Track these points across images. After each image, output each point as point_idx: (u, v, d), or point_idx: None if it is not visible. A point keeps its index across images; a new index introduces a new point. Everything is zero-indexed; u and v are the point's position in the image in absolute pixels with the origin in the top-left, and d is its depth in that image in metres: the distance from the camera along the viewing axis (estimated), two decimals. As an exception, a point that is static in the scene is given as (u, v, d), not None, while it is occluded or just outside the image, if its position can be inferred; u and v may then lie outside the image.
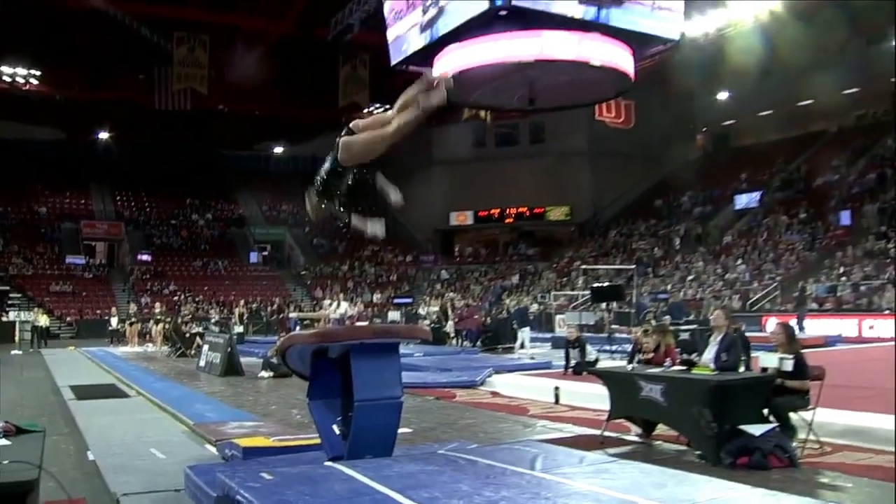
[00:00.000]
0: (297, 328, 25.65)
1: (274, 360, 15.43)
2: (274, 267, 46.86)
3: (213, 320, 26.68)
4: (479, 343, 23.97)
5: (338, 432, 6.26)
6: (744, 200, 40.45)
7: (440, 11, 16.14)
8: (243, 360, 18.03)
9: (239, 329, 28.16)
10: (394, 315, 32.98)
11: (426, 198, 48.46)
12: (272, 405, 12.08)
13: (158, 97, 35.01)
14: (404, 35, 17.07)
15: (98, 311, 36.57)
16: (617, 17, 15.45)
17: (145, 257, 42.60)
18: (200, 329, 24.21)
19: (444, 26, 16.07)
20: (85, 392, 13.14)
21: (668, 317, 18.72)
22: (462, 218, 48.33)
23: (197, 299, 37.89)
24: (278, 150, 51.91)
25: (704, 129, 50.92)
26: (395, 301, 38.83)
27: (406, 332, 7.61)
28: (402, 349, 16.85)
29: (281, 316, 35.14)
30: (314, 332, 7.24)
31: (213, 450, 7.94)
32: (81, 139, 44.76)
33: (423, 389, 13.24)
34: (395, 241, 49.99)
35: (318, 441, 6.51)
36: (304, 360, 6.50)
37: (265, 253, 47.44)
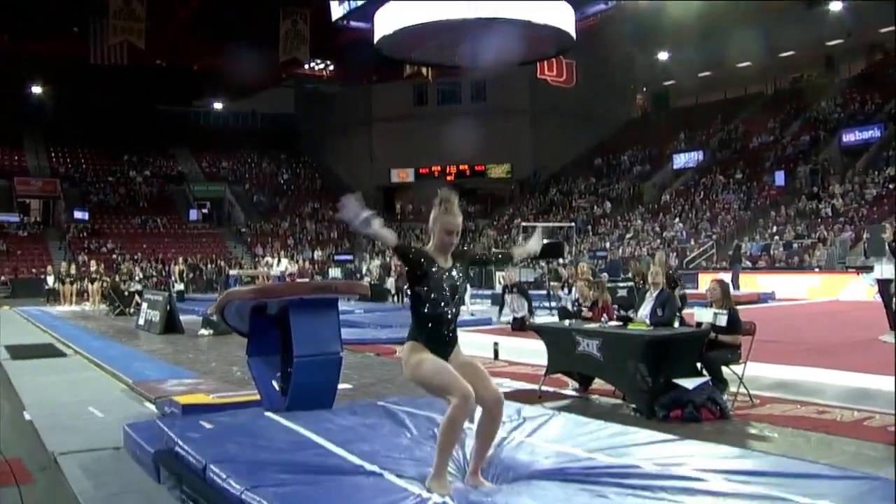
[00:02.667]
0: (237, 285, 25.44)
1: (214, 318, 15.28)
2: (214, 224, 46.27)
3: (137, 278, 25.86)
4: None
5: (277, 388, 6.27)
6: (682, 160, 40.98)
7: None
8: (183, 318, 17.82)
9: (179, 287, 27.81)
10: (334, 272, 32.83)
11: (367, 155, 48.20)
12: (212, 363, 11.98)
13: (94, 51, 34.01)
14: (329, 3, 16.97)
15: (34, 270, 35.78)
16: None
17: (82, 215, 41.59)
18: (139, 287, 23.89)
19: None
20: (21, 352, 12.88)
21: (605, 274, 18.96)
22: (403, 175, 48.11)
23: (135, 257, 37.27)
24: (218, 105, 51.02)
25: (644, 89, 51.32)
26: (336, 258, 38.60)
27: (345, 288, 7.61)
28: (343, 306, 16.81)
29: (193, 274, 34.65)
30: (252, 288, 7.20)
31: (153, 407, 7.85)
32: (12, 93, 43.34)
33: (363, 346, 13.23)
34: (336, 198, 49.42)
35: (257, 397, 6.51)
36: (243, 317, 6.46)
37: (205, 210, 46.68)
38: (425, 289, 4.16)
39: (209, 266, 36.97)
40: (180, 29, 35.41)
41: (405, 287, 25.92)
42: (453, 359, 4.22)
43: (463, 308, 19.49)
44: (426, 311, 4.17)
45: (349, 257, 38.17)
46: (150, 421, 6.47)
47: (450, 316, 4.23)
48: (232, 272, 32.42)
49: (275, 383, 6.28)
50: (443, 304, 4.18)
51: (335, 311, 6.27)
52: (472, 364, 4.28)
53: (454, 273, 4.26)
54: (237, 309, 6.44)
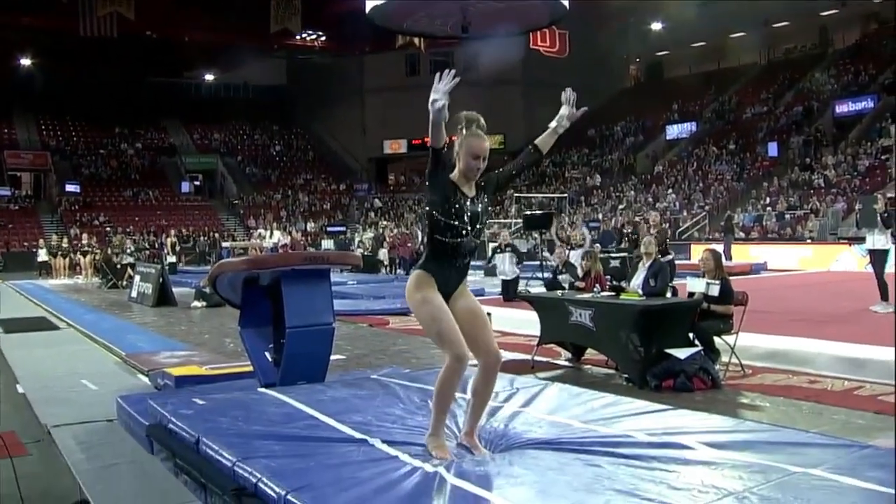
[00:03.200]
0: (230, 257, 25.42)
1: (206, 290, 15.29)
2: (206, 196, 46.15)
3: (128, 250, 25.72)
4: (412, 271, 24.14)
5: (270, 360, 6.26)
6: (675, 131, 40.94)
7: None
8: (176, 290, 17.84)
9: (171, 259, 27.78)
10: (327, 244, 32.82)
11: (359, 126, 48.05)
12: (205, 334, 12.01)
13: (83, 22, 33.68)
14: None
15: (25, 244, 35.67)
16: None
17: (73, 188, 41.39)
18: (132, 260, 23.86)
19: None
20: (13, 325, 12.86)
21: (598, 244, 18.96)
22: (395, 146, 48.04)
23: (128, 230, 37.15)
24: (209, 77, 50.72)
25: (638, 59, 51.13)
26: (329, 230, 38.58)
27: (337, 258, 7.57)
28: (336, 278, 16.68)
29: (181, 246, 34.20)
30: (245, 259, 7.18)
31: (146, 380, 7.88)
32: (1, 66, 42.93)
33: (356, 317, 13.30)
34: (329, 170, 49.56)
35: (250, 369, 6.51)
36: (235, 288, 6.45)
37: (197, 182, 46.58)
38: (443, 217, 4.01)
39: (202, 238, 36.89)
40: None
41: (398, 258, 25.99)
42: (459, 297, 4.12)
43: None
44: (442, 239, 4.02)
45: (342, 229, 38.15)
46: (143, 393, 6.48)
47: (466, 248, 4.08)
48: (224, 244, 32.36)
49: (267, 354, 6.27)
50: (460, 233, 4.03)
51: (327, 281, 6.25)
52: (475, 312, 4.16)
53: (477, 202, 4.11)
54: (229, 280, 6.42)
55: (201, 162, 47.69)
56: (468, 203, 4.06)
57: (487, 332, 4.16)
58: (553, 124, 4.58)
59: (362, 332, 11.83)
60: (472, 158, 4.14)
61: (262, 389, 5.74)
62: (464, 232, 4.04)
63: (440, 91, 3.91)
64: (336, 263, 7.21)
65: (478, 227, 4.11)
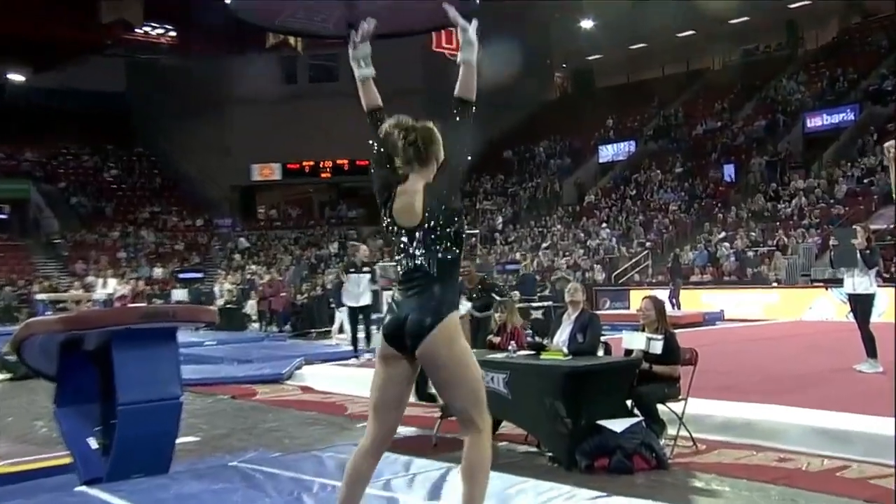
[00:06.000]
0: (48, 313, 24.77)
1: (12, 358, 14.85)
2: (14, 234, 44.79)
3: None
4: (287, 327, 24.13)
5: (95, 447, 6.11)
6: (609, 152, 41.56)
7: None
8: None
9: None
10: (179, 294, 32.31)
11: (222, 146, 47.55)
12: (8, 417, 11.77)
13: None
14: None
15: None
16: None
17: None
18: None
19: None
20: None
21: (516, 292, 19.07)
22: (267, 172, 47.68)
23: None
24: (17, 78, 49.48)
25: (564, 65, 51.98)
26: (181, 276, 38.01)
27: (185, 314, 7.43)
28: (191, 337, 16.49)
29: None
30: (61, 318, 6.98)
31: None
32: None
33: (215, 386, 13.20)
34: (182, 201, 48.93)
35: (69, 460, 6.33)
36: (50, 355, 6.27)
37: (2, 215, 45.34)
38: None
39: (7, 289, 35.82)
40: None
41: (269, 312, 25.83)
42: None
43: (341, 336, 19.26)
44: (461, 254, 4.08)
45: (198, 275, 37.60)
46: None
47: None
48: (39, 296, 31.49)
49: (92, 441, 6.12)
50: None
51: (174, 343, 6.17)
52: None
53: None
54: (41, 345, 6.25)
55: (8, 189, 46.13)
56: None
57: None
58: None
59: (222, 406, 11.70)
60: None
61: (83, 487, 5.60)
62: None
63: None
64: (184, 321, 7.07)
65: None
